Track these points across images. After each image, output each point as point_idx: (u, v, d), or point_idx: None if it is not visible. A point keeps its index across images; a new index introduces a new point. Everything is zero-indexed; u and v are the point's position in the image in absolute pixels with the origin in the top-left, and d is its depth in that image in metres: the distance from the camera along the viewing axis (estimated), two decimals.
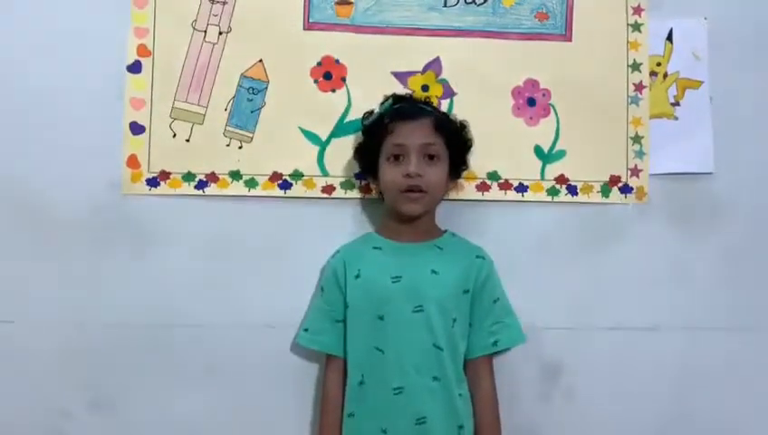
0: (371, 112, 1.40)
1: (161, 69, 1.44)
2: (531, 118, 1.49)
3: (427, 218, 1.38)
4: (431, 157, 1.32)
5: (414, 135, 1.32)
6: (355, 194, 1.46)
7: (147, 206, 1.43)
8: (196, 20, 1.45)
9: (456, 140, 1.37)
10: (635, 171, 1.49)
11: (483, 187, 1.48)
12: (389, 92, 1.40)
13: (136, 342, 1.43)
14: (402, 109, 1.36)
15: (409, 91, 1.45)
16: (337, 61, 1.46)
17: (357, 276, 1.34)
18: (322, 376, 1.39)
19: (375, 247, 1.37)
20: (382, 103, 1.39)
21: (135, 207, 1.43)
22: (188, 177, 1.44)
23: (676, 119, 1.51)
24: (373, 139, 1.36)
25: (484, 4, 1.48)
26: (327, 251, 1.41)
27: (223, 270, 1.44)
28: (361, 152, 1.40)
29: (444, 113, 1.41)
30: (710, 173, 1.51)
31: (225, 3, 1.45)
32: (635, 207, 1.50)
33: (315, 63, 1.46)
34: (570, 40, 1.50)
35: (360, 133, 1.42)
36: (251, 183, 1.44)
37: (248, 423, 1.43)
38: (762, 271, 1.52)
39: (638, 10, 1.50)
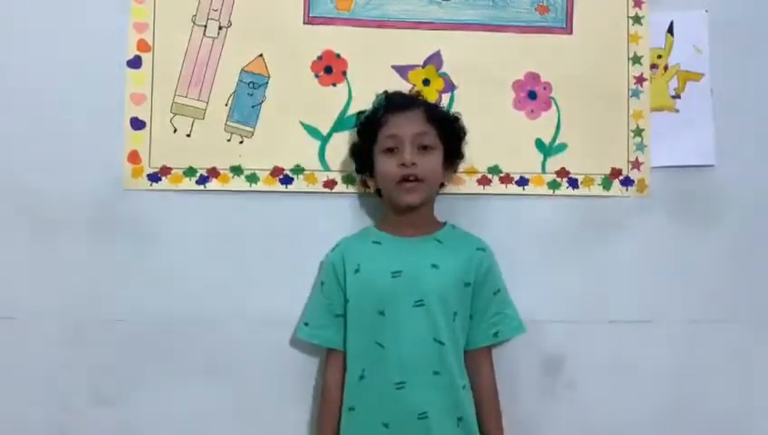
0: (364, 112, 1.40)
1: (161, 64, 1.43)
2: (532, 111, 1.49)
3: (426, 212, 1.38)
4: (425, 147, 1.32)
5: (407, 125, 1.32)
6: (356, 188, 1.46)
7: (148, 201, 1.43)
8: (195, 15, 1.44)
9: (449, 129, 1.37)
10: (636, 164, 1.50)
11: (484, 180, 1.48)
12: (390, 86, 1.41)
13: (137, 337, 1.43)
14: (394, 100, 1.36)
15: (408, 86, 1.45)
16: (337, 55, 1.46)
17: (356, 271, 1.34)
18: (322, 370, 1.40)
19: (374, 242, 1.37)
20: (375, 101, 1.39)
21: (136, 203, 1.43)
22: (189, 172, 1.44)
23: (677, 111, 1.51)
24: (367, 133, 1.36)
25: None
26: (329, 245, 1.41)
27: (224, 265, 1.44)
28: (357, 149, 1.40)
29: (435, 105, 1.42)
30: (711, 166, 1.50)
31: None
32: (636, 199, 1.50)
33: (316, 58, 1.45)
34: (570, 33, 1.49)
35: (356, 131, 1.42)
36: (252, 178, 1.44)
37: (248, 417, 1.44)
38: (762, 264, 1.52)
39: (638, 2, 1.50)
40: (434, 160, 1.33)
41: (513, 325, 1.39)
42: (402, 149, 1.31)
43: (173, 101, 1.44)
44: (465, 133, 1.40)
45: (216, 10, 1.44)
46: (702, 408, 1.49)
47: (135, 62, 1.43)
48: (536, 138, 1.49)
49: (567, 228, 1.49)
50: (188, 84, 1.44)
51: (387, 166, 1.33)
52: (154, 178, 1.43)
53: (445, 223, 1.41)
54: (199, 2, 1.44)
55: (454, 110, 1.44)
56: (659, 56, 1.51)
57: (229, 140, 1.44)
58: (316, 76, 1.46)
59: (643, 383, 1.48)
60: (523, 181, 1.48)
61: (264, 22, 1.45)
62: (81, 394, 1.42)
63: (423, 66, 1.47)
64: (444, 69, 1.47)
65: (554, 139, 1.49)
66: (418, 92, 1.43)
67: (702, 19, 1.51)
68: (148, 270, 1.43)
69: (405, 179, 1.31)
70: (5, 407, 1.42)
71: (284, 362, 1.44)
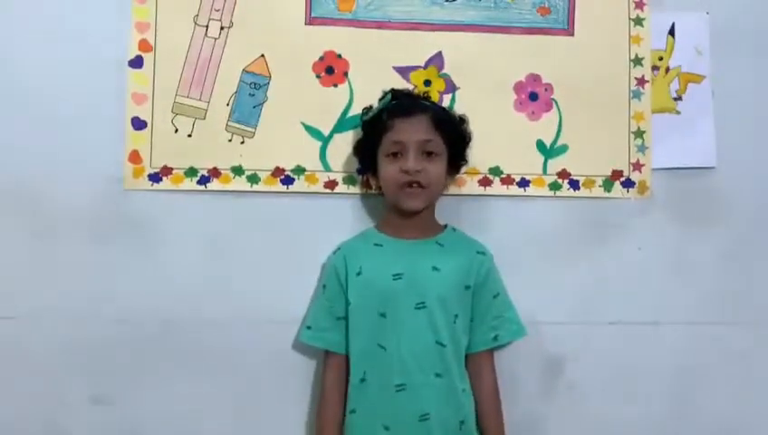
0: (370, 108, 1.40)
1: (163, 64, 1.43)
2: (533, 113, 1.49)
3: (427, 214, 1.38)
4: (429, 153, 1.32)
5: (412, 132, 1.31)
6: (357, 189, 1.46)
7: (149, 201, 1.43)
8: (197, 15, 1.44)
9: (454, 135, 1.37)
10: (637, 166, 1.50)
11: (485, 181, 1.48)
12: (392, 87, 1.40)
13: (137, 337, 1.43)
14: (400, 105, 1.35)
15: (409, 87, 1.45)
16: (339, 55, 1.46)
17: (358, 274, 1.34)
18: (322, 373, 1.39)
19: (376, 244, 1.37)
20: (381, 99, 1.39)
21: (137, 203, 1.43)
22: (190, 172, 1.44)
23: (679, 113, 1.51)
24: (372, 135, 1.36)
25: None
26: (329, 246, 1.41)
27: (225, 266, 1.44)
28: (360, 148, 1.40)
29: (442, 108, 1.41)
30: (712, 168, 1.51)
31: None
32: (637, 201, 1.50)
33: (317, 58, 1.45)
34: (572, 34, 1.49)
35: (360, 129, 1.42)
36: (253, 178, 1.44)
37: (249, 419, 1.44)
38: (763, 266, 1.52)
39: (639, 4, 1.50)
40: (438, 167, 1.33)
41: (513, 329, 1.39)
42: (406, 155, 1.31)
43: (174, 101, 1.44)
44: (470, 139, 1.40)
45: (218, 10, 1.44)
46: (702, 409, 1.49)
47: (136, 62, 1.43)
48: (537, 139, 1.49)
49: (568, 230, 1.49)
50: (190, 84, 1.44)
51: (390, 171, 1.32)
52: (155, 178, 1.43)
53: (445, 226, 1.41)
54: (201, 2, 1.44)
55: (455, 111, 1.43)
56: (660, 58, 1.51)
57: (230, 141, 1.44)
58: (317, 77, 1.46)
59: (644, 385, 1.49)
60: (524, 183, 1.48)
61: (266, 22, 1.45)
62: (81, 394, 1.42)
63: (424, 67, 1.47)
64: (445, 70, 1.47)
65: (555, 140, 1.49)
66: (426, 93, 1.43)
67: (703, 21, 1.52)
68: (148, 270, 1.43)
69: (408, 185, 1.31)
70: (6, 407, 1.41)
71: (284, 363, 1.44)
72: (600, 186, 1.49)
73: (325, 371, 1.38)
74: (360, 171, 1.44)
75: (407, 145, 1.31)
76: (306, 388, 1.44)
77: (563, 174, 1.49)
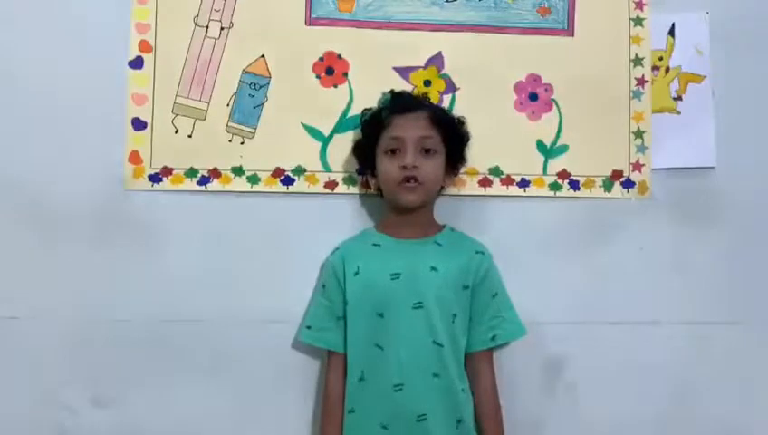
0: (369, 110, 1.40)
1: (163, 64, 1.44)
2: (533, 113, 1.49)
3: (426, 214, 1.38)
4: (428, 150, 1.32)
5: (411, 128, 1.32)
6: (357, 189, 1.46)
7: (149, 202, 1.43)
8: (197, 15, 1.44)
9: (453, 133, 1.37)
10: (637, 166, 1.50)
11: (485, 182, 1.48)
12: (392, 88, 1.41)
13: (138, 337, 1.43)
14: (399, 102, 1.36)
15: (409, 87, 1.45)
16: (339, 56, 1.46)
17: (356, 273, 1.34)
18: (324, 372, 1.40)
19: (374, 244, 1.37)
20: (380, 100, 1.39)
21: (137, 203, 1.43)
22: (191, 173, 1.44)
23: (679, 113, 1.51)
24: (371, 133, 1.36)
25: None
26: (329, 247, 1.41)
27: (225, 266, 1.44)
28: (360, 148, 1.41)
29: (441, 108, 1.42)
30: (712, 168, 1.50)
31: None
32: (637, 201, 1.50)
33: (317, 59, 1.45)
34: (572, 35, 1.49)
35: (359, 130, 1.42)
36: (253, 179, 1.44)
37: (250, 419, 1.44)
38: (763, 265, 1.52)
39: (639, 4, 1.50)
40: (435, 164, 1.33)
41: (512, 328, 1.39)
42: (404, 151, 1.31)
43: (174, 102, 1.44)
44: (468, 138, 1.41)
45: (218, 11, 1.45)
46: (702, 409, 1.49)
47: (137, 63, 1.43)
48: (537, 139, 1.49)
49: (568, 230, 1.49)
50: (190, 85, 1.44)
51: (388, 167, 1.33)
52: (155, 178, 1.43)
53: (444, 226, 1.41)
54: (201, 3, 1.44)
55: (455, 111, 1.44)
56: (661, 58, 1.51)
57: (230, 141, 1.44)
58: (317, 77, 1.46)
59: (643, 385, 1.48)
60: (524, 183, 1.48)
61: (266, 23, 1.45)
62: (81, 394, 1.42)
63: (424, 67, 1.47)
64: (445, 70, 1.47)
65: (555, 140, 1.49)
66: (425, 94, 1.43)
67: (703, 21, 1.51)
68: (148, 270, 1.43)
69: (405, 180, 1.31)
70: (6, 407, 1.42)
71: (284, 363, 1.44)
72: (600, 186, 1.49)
73: (328, 370, 1.38)
74: (359, 172, 1.44)
75: (405, 141, 1.31)
76: (306, 388, 1.44)
77: (563, 174, 1.49)
